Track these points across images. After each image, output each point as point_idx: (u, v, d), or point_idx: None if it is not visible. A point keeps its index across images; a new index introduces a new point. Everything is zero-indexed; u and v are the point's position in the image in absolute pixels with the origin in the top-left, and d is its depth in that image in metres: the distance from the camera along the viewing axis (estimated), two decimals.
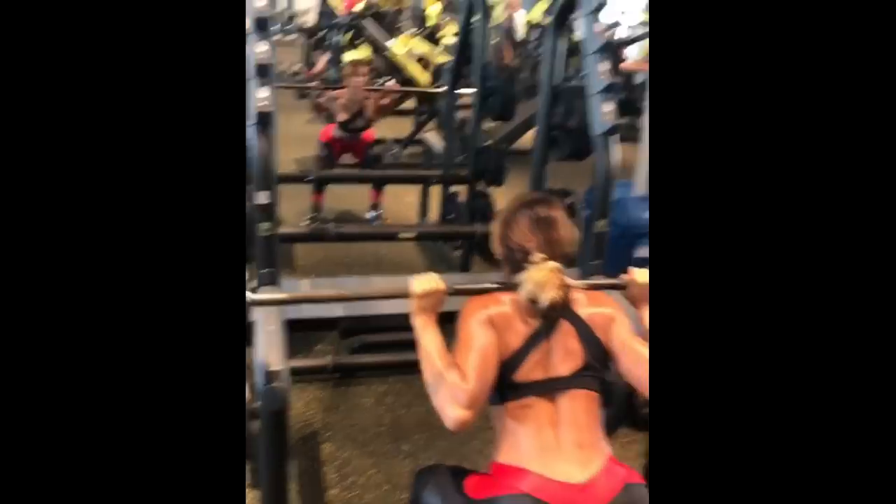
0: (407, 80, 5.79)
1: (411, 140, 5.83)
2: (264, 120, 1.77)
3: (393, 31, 7.03)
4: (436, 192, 3.97)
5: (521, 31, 6.92)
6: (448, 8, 11.96)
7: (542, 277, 1.21)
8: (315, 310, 2.89)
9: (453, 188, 3.74)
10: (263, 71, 1.78)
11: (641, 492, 1.19)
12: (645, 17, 10.73)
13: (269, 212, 1.84)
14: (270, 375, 1.45)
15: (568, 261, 1.31)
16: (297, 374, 2.04)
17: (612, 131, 2.03)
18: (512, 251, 1.29)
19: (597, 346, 1.27)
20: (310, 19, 8.76)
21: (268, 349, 1.53)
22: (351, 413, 2.44)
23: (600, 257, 2.16)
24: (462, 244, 3.51)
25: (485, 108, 3.16)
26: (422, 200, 4.10)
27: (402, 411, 2.46)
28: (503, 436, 1.26)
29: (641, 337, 1.28)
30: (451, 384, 1.16)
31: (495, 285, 1.32)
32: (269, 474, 1.54)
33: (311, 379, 2.58)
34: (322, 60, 6.65)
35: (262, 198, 1.82)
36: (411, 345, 2.05)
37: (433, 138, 4.07)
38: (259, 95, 1.75)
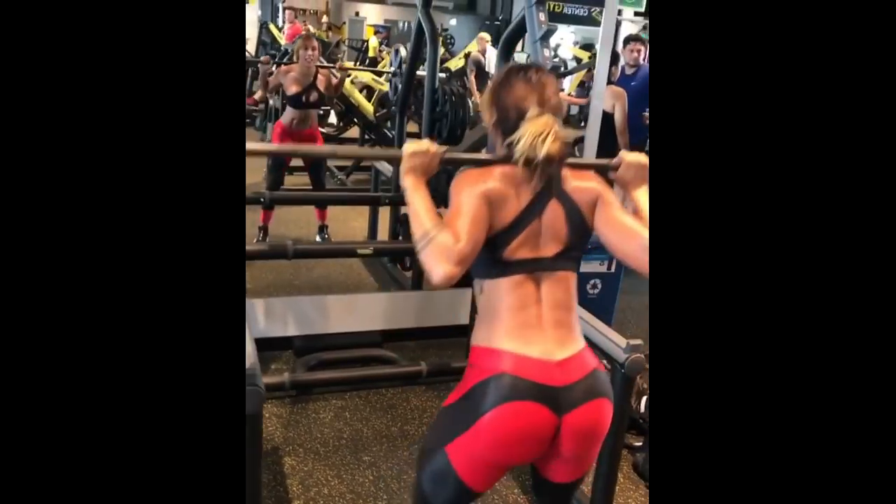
0: (352, 109, 5.90)
1: (356, 167, 5.92)
2: None
3: (333, 62, 7.17)
4: (384, 214, 4.06)
5: (492, 65, 7.19)
6: (386, 41, 12.19)
7: (541, 127, 1.21)
8: (271, 330, 2.92)
9: (404, 210, 3.83)
10: None
11: (605, 378, 1.29)
12: (575, 52, 11.27)
13: None
14: (247, 378, 1.49)
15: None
16: None
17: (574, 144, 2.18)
18: (506, 111, 1.27)
19: (581, 227, 1.30)
20: (250, 49, 8.78)
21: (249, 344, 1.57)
22: (310, 428, 2.46)
23: None
24: (413, 264, 3.60)
25: (433, 133, 3.29)
26: (370, 222, 4.18)
27: (361, 424, 2.50)
28: (484, 314, 1.30)
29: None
30: (442, 242, 1.16)
31: (489, 157, 1.32)
32: (246, 479, 1.56)
33: (270, 396, 2.59)
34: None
35: None
36: (366, 361, 2.04)
37: (381, 164, 4.17)
38: None
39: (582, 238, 1.32)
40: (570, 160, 1.33)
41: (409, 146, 1.27)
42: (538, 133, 1.20)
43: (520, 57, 4.93)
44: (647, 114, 3.95)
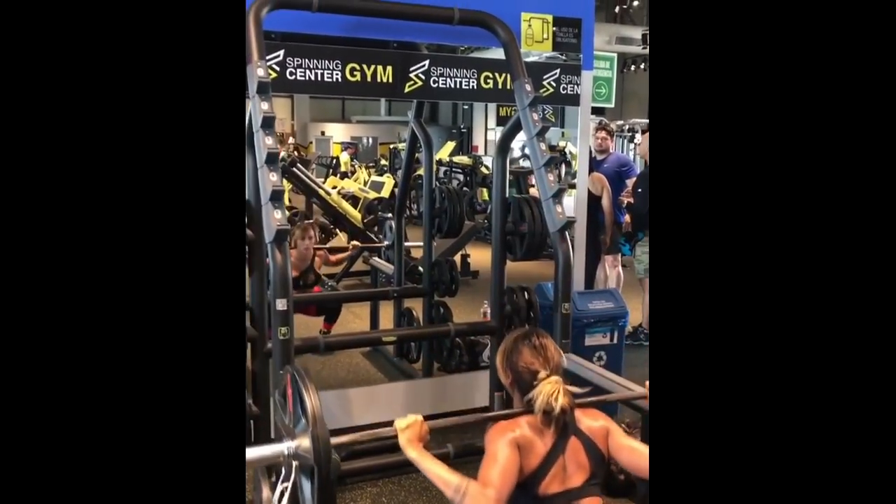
0: (340, 218, 6.18)
1: (346, 273, 6.12)
2: (280, 237, 2.03)
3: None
4: (386, 311, 4.22)
5: None
6: (355, 156, 12.77)
7: (552, 388, 1.48)
8: None
9: (406, 304, 4.01)
10: (277, 196, 2.06)
11: None
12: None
13: (285, 317, 2.05)
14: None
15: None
16: None
17: (565, 227, 2.42)
18: (520, 374, 1.55)
19: (600, 456, 1.53)
20: None
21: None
22: None
23: (567, 337, 2.48)
24: (419, 354, 3.75)
25: (434, 227, 3.54)
26: (371, 317, 4.32)
27: None
28: None
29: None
30: (474, 493, 1.36)
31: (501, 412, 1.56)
32: None
33: None
34: None
35: (280, 304, 2.03)
36: (395, 448, 2.12)
37: (379, 263, 4.39)
38: (275, 216, 2.02)
39: (602, 466, 1.56)
40: (601, 398, 1.64)
41: (400, 423, 1.49)
42: (550, 393, 1.47)
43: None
44: (622, 196, 4.31)
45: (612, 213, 4.13)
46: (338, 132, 16.47)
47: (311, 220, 5.80)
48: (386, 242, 4.85)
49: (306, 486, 1.53)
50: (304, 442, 1.47)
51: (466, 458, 2.90)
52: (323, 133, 16.18)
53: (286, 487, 1.51)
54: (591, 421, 1.56)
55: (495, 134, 14.13)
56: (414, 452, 1.46)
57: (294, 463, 1.52)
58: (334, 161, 12.27)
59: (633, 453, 1.53)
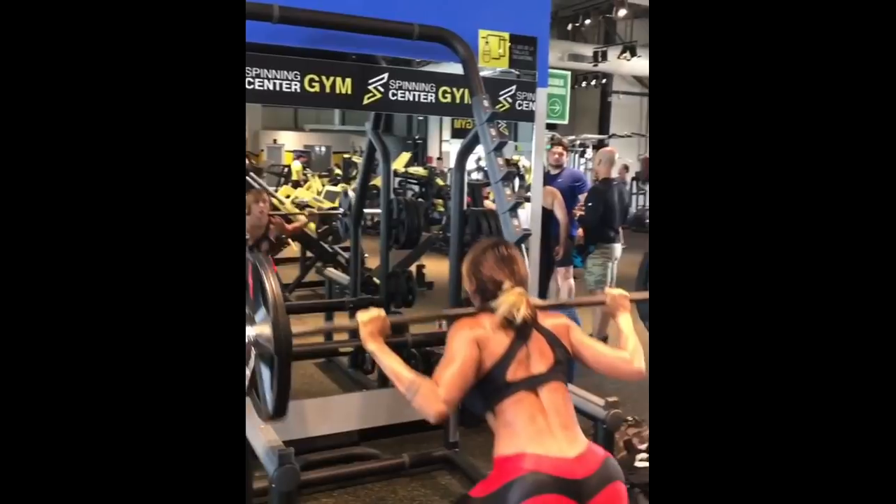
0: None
1: (299, 283, 6.07)
2: None
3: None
4: (342, 320, 4.21)
5: None
6: (307, 164, 12.64)
7: (515, 300, 1.51)
8: (250, 437, 2.95)
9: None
10: None
11: (615, 463, 1.50)
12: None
13: None
14: (283, 458, 1.61)
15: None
16: None
17: (521, 240, 2.48)
18: (484, 283, 1.59)
19: (562, 347, 1.58)
20: None
21: (270, 435, 1.68)
22: None
23: None
24: (374, 365, 3.75)
25: (391, 238, 3.57)
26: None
27: None
28: (501, 431, 1.49)
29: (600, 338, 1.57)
30: (426, 392, 1.40)
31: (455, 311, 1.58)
32: None
33: (259, 502, 2.59)
34: None
35: None
36: (349, 459, 2.11)
37: (333, 274, 4.37)
38: None
39: (565, 356, 1.60)
40: (574, 300, 1.63)
41: (362, 316, 1.51)
42: (513, 304, 1.51)
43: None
44: (575, 210, 4.43)
45: (567, 226, 4.24)
46: (290, 140, 16.30)
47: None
48: (341, 210, 4.82)
49: (265, 372, 1.54)
50: (265, 330, 1.48)
51: (422, 468, 2.93)
52: (275, 141, 16.00)
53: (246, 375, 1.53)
54: (551, 319, 1.60)
55: (450, 146, 14.25)
56: (374, 345, 1.48)
57: (254, 351, 1.53)
58: (286, 170, 12.15)
59: (590, 351, 1.60)
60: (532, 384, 1.51)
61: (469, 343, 1.48)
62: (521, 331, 1.54)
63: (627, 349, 1.60)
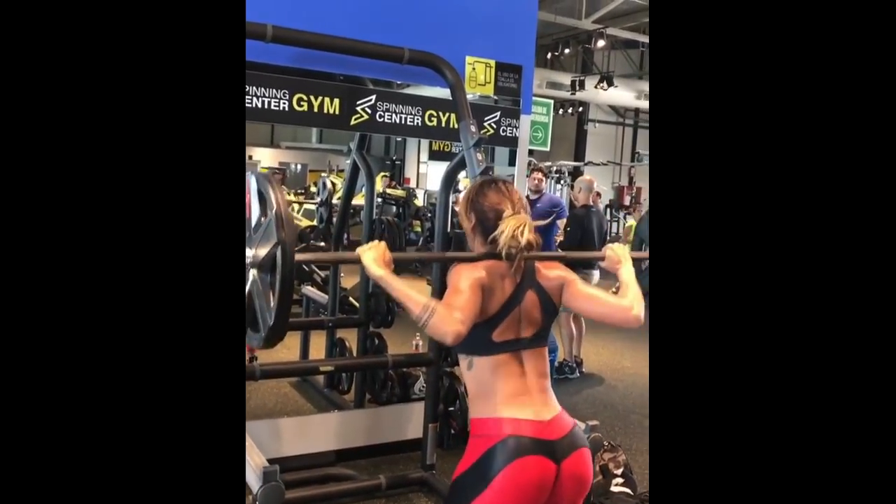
0: None
1: None
2: None
3: None
4: (315, 341, 4.18)
5: None
6: (283, 181, 12.54)
7: (518, 222, 1.49)
8: None
9: (339, 334, 4.00)
10: None
11: (582, 433, 1.55)
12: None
13: None
14: (267, 475, 1.60)
15: None
16: None
17: None
18: (485, 214, 1.54)
19: (551, 309, 1.58)
20: None
21: (254, 453, 1.67)
22: None
23: None
24: (349, 386, 3.75)
25: None
26: (302, 347, 4.26)
27: None
28: (479, 390, 1.51)
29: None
30: (442, 312, 1.36)
31: (463, 254, 1.58)
32: None
33: None
34: None
35: None
36: (324, 480, 2.04)
37: (311, 292, 4.35)
38: None
39: (551, 318, 1.62)
40: (570, 254, 1.61)
41: (362, 248, 1.47)
42: (517, 226, 1.48)
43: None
44: (556, 236, 4.53)
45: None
46: (266, 157, 16.23)
47: None
48: (318, 199, 4.76)
49: (259, 297, 1.44)
50: (261, 251, 1.40)
51: (398, 490, 2.91)
52: (251, 157, 15.90)
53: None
54: (548, 272, 1.59)
55: (427, 168, 14.31)
56: (381, 270, 1.42)
57: (252, 272, 1.43)
58: None
59: (590, 300, 1.58)
60: (517, 347, 1.53)
61: (474, 283, 1.45)
62: (521, 284, 1.53)
63: (627, 297, 1.57)
